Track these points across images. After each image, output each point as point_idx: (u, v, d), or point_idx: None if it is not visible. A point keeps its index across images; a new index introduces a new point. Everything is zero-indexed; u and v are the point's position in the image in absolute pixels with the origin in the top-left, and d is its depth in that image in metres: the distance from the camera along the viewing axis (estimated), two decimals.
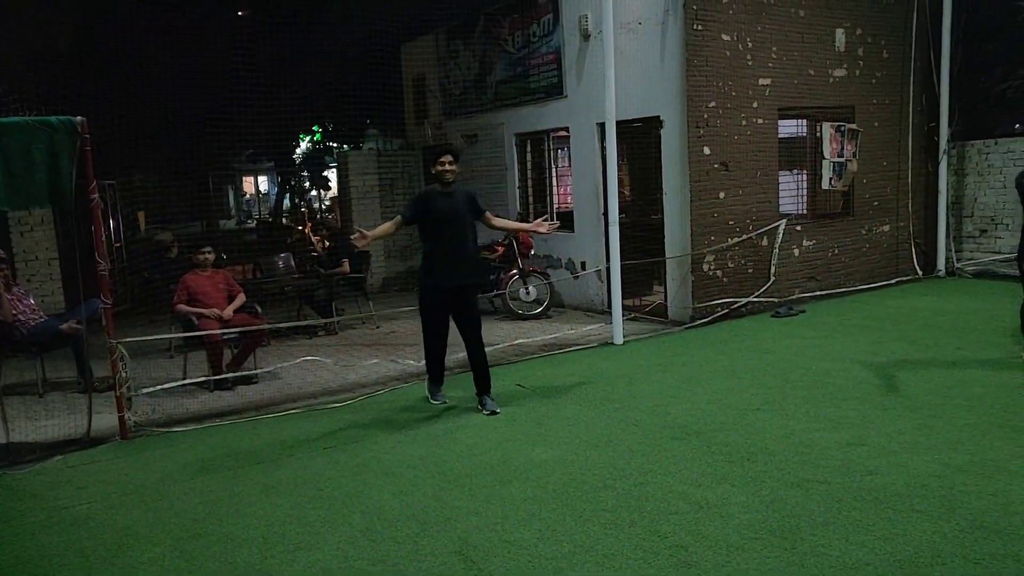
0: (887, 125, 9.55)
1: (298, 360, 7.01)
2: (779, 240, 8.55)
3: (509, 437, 4.95)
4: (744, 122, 8.32)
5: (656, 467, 4.29)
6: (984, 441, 4.37)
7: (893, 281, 9.65)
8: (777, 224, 8.57)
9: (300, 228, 16.76)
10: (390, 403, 5.93)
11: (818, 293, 8.99)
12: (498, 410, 5.43)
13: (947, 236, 9.98)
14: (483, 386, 5.54)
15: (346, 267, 9.08)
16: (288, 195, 21.73)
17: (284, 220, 19.54)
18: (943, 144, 9.84)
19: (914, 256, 9.91)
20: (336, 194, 17.77)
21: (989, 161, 9.76)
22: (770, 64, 8.45)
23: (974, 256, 9.93)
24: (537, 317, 8.96)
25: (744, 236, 8.37)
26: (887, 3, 9.34)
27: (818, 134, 9.01)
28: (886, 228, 9.74)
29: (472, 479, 4.28)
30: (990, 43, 10.04)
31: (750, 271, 8.50)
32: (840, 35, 8.99)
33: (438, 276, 5.35)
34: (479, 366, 5.51)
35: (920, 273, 9.91)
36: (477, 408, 5.54)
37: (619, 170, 8.23)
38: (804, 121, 9.03)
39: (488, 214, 5.58)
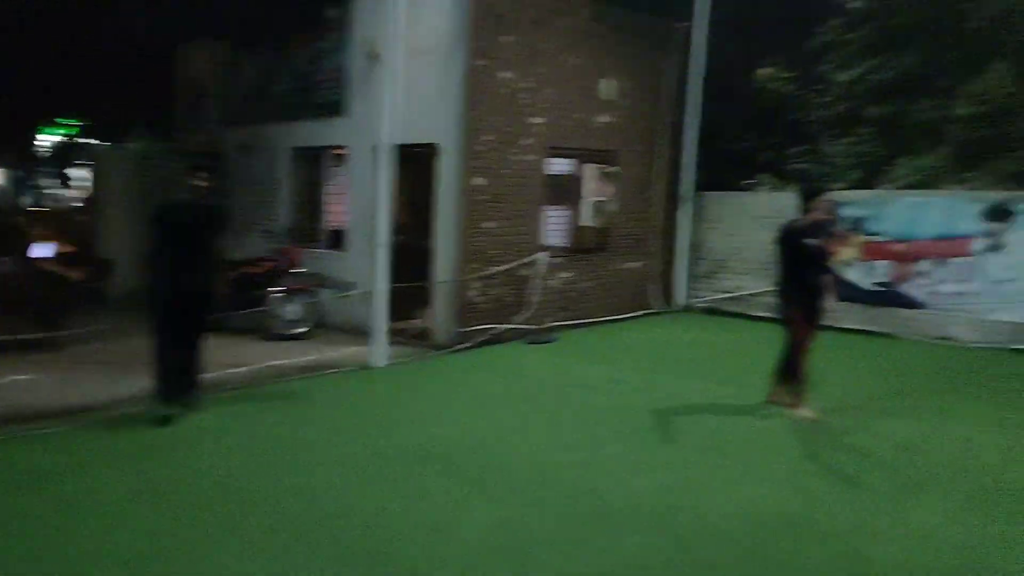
0: (642, 171, 10.53)
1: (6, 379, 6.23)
2: (539, 271, 9.06)
3: (246, 463, 4.74)
4: (516, 157, 8.76)
5: (397, 492, 4.33)
6: (692, 460, 4.92)
7: (639, 313, 10.59)
8: (537, 256, 9.07)
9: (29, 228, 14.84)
10: (113, 427, 5.42)
11: (572, 322, 9.62)
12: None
13: (685, 275, 11.17)
14: (184, 388, 5.46)
15: (73, 273, 8.14)
16: (28, 191, 19.34)
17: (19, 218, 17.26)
18: (684, 192, 11.02)
19: (657, 292, 10.96)
20: (88, 194, 16.06)
21: (721, 210, 11.08)
22: (543, 104, 8.98)
23: (706, 294, 11.18)
24: (300, 337, 8.70)
25: (508, 265, 8.77)
26: (647, 61, 10.34)
27: (581, 174, 9.71)
28: (636, 265, 10.68)
29: (199, 509, 4.04)
30: (729, 107, 11.46)
31: (511, 299, 8.91)
32: (605, 85, 9.78)
33: (162, 284, 5.37)
34: (187, 369, 5.48)
35: (662, 307, 10.97)
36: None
37: (396, 193, 8.27)
38: (573, 160, 9.68)
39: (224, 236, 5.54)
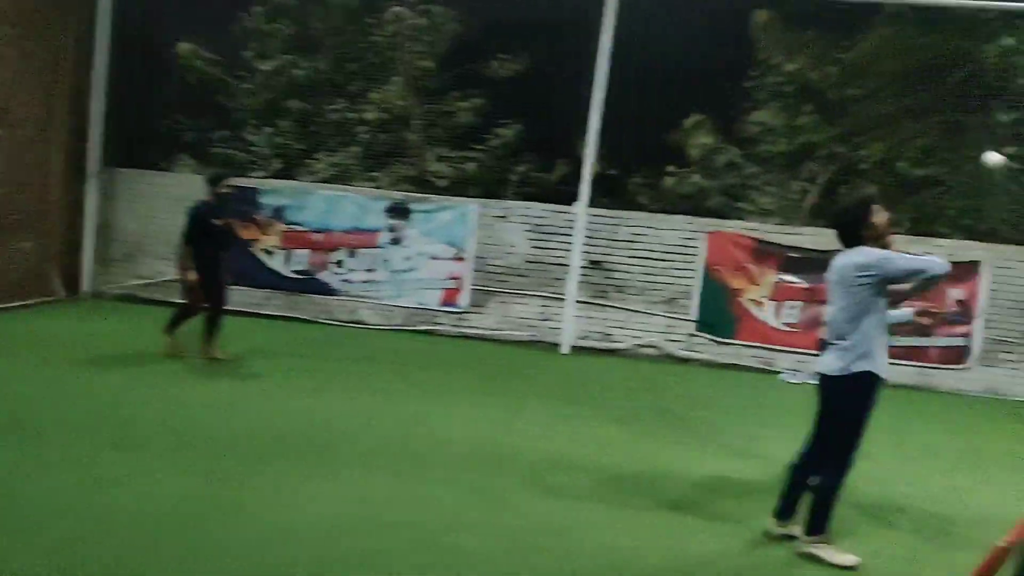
0: (36, 139, 9.07)
1: None
2: None
3: None
4: None
5: None
6: (101, 457, 4.45)
7: (34, 301, 9.16)
8: None
9: None
10: None
11: None
12: None
13: (93, 259, 10.07)
14: None
15: None
16: None
17: None
18: (91, 168, 9.93)
19: (58, 277, 9.64)
20: None
21: (138, 189, 10.30)
22: None
23: (120, 280, 10.27)
24: None
25: None
26: (42, 12, 8.93)
27: None
28: (27, 245, 9.18)
29: None
30: (151, 81, 10.66)
31: None
32: None
33: None
34: None
35: (65, 294, 9.69)
36: None
37: None
38: None
39: None
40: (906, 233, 9.47)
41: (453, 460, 5.09)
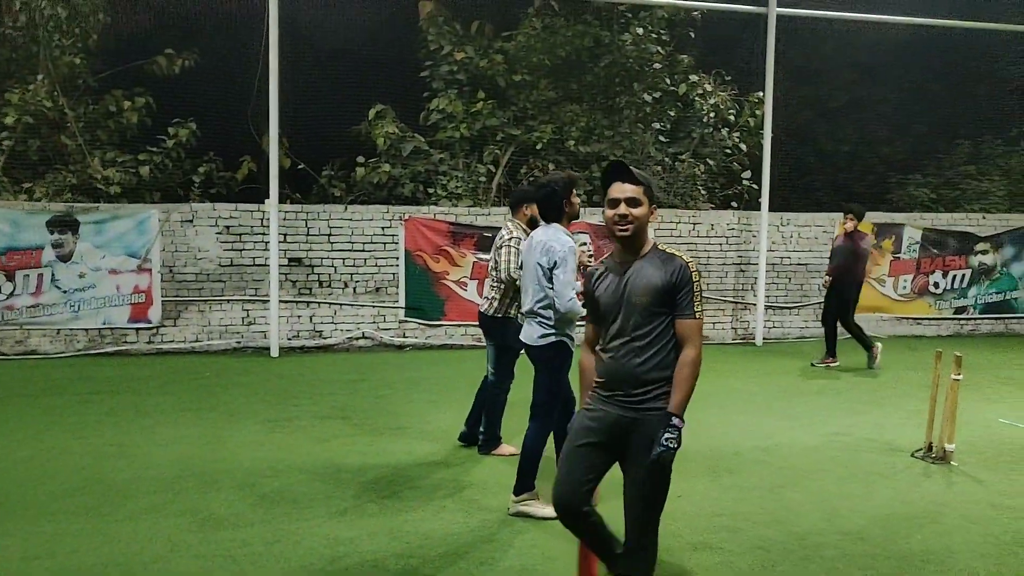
0: None
1: None
2: None
3: None
4: None
5: None
6: None
7: None
8: None
9: None
10: None
11: None
12: None
13: None
14: None
15: None
16: None
17: None
18: None
19: None
20: None
21: None
22: None
23: None
24: None
25: None
26: None
27: None
28: None
29: None
30: None
31: None
32: None
33: None
34: None
35: None
36: None
37: None
38: None
39: None
40: (583, 205, 10.62)
41: (159, 486, 4.79)
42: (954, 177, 12.85)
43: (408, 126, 10.56)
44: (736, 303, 10.63)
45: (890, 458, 5.56)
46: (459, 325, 9.86)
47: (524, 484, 4.41)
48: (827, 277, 8.81)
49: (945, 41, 11.52)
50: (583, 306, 3.15)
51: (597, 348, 3.06)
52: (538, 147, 10.77)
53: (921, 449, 5.60)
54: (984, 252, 11.36)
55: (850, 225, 8.66)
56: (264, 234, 9.26)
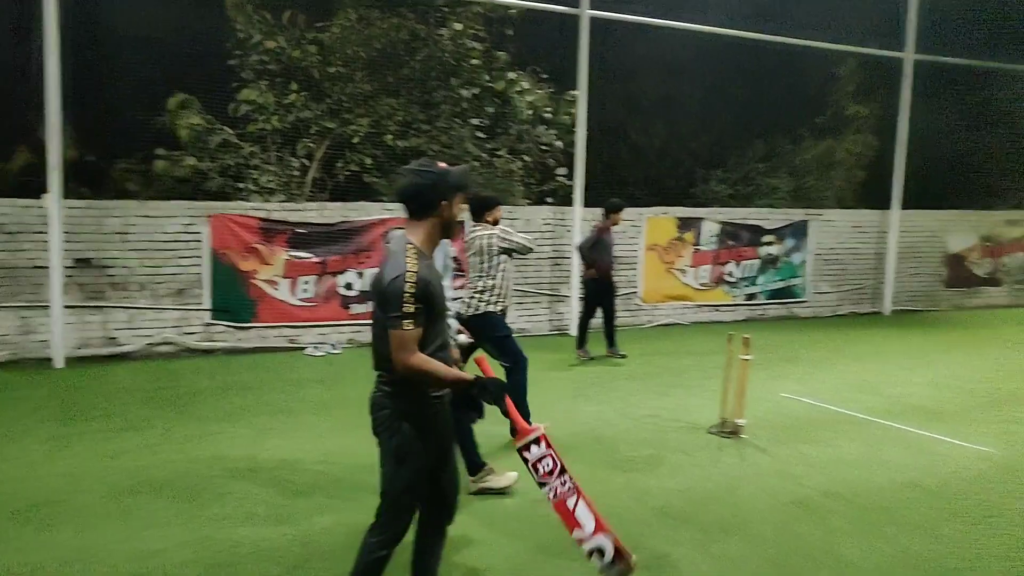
0: None
1: None
2: None
3: None
4: None
5: None
6: None
7: None
8: None
9: None
10: None
11: None
12: None
13: None
14: None
15: None
16: None
17: None
18: None
19: None
20: None
21: None
22: None
23: None
24: None
25: None
26: None
27: None
28: None
29: None
30: None
31: None
32: None
33: None
34: None
35: None
36: None
37: None
38: None
39: None
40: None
41: None
42: (749, 174, 14.03)
43: (215, 117, 9.98)
44: (552, 296, 10.99)
45: (692, 436, 5.98)
46: (272, 327, 9.47)
47: (474, 463, 4.72)
48: (592, 271, 9.12)
49: (742, 48, 12.53)
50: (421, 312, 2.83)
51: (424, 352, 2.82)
52: (355, 140, 10.56)
53: (716, 425, 6.06)
54: (770, 244, 12.50)
55: (615, 220, 9.06)
56: (43, 232, 8.35)
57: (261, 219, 9.37)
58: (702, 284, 12.08)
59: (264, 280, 9.41)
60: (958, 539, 4.17)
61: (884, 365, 8.80)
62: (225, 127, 9.98)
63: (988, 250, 14.42)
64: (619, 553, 3.12)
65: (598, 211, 9.57)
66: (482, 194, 6.06)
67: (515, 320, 10.71)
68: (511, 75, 11.76)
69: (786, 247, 12.66)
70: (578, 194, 10.77)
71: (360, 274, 9.80)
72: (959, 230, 14.14)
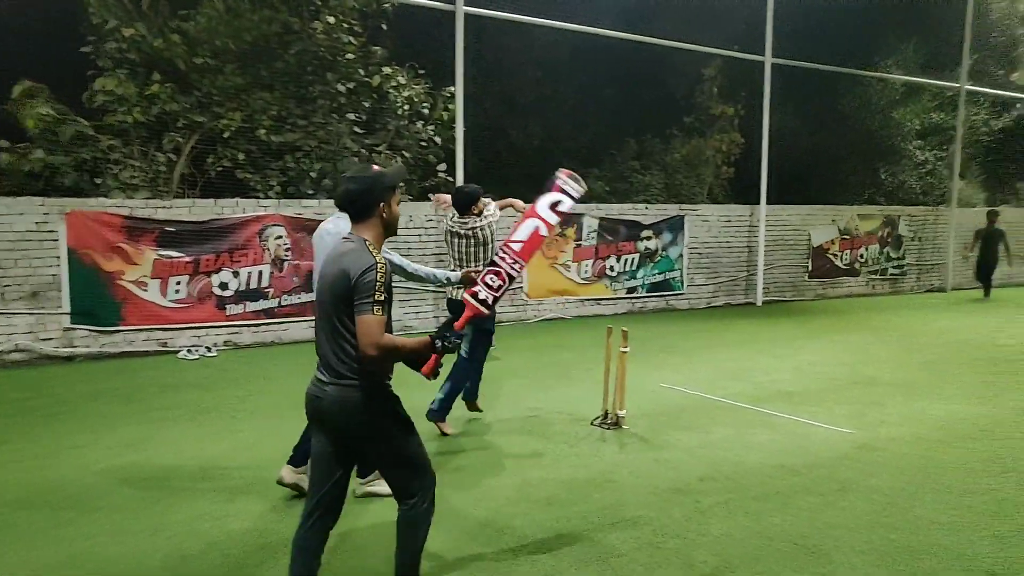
0: None
1: None
2: None
3: None
4: None
5: None
6: None
7: None
8: None
9: None
10: None
11: None
12: None
13: None
14: None
15: None
16: None
17: None
18: None
19: None
20: None
21: None
22: None
23: None
24: None
25: None
26: None
27: None
28: None
29: None
30: None
31: None
32: None
33: None
34: None
35: None
36: None
37: None
38: None
39: None
40: (277, 197, 10.24)
41: None
42: (624, 171, 14.49)
43: (68, 108, 9.36)
44: (436, 292, 10.98)
45: (576, 428, 6.14)
46: (141, 330, 9.00)
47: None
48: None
49: (615, 49, 12.91)
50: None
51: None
52: (225, 135, 10.17)
53: (599, 417, 6.25)
54: (648, 238, 12.98)
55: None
56: None
57: (125, 217, 8.89)
58: (584, 279, 12.39)
59: (131, 281, 8.93)
60: (812, 511, 4.48)
61: (755, 353, 9.32)
62: (80, 119, 9.38)
63: (847, 242, 15.51)
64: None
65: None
66: (465, 189, 6.23)
67: (401, 317, 10.64)
68: (387, 70, 11.65)
69: (663, 241, 13.17)
70: None
71: (235, 273, 9.46)
72: (820, 224, 15.14)
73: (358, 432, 3.06)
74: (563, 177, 3.90)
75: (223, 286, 9.42)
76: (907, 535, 4.16)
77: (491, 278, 3.67)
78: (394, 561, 3.23)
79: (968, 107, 17.83)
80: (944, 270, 16.92)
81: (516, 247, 3.78)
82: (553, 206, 3.87)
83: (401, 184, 3.16)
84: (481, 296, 3.65)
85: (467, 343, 5.98)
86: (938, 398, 7.11)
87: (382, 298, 2.92)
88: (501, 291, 3.68)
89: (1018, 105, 19.34)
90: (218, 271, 9.38)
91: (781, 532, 4.20)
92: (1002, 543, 4.07)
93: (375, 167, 3.16)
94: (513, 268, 3.73)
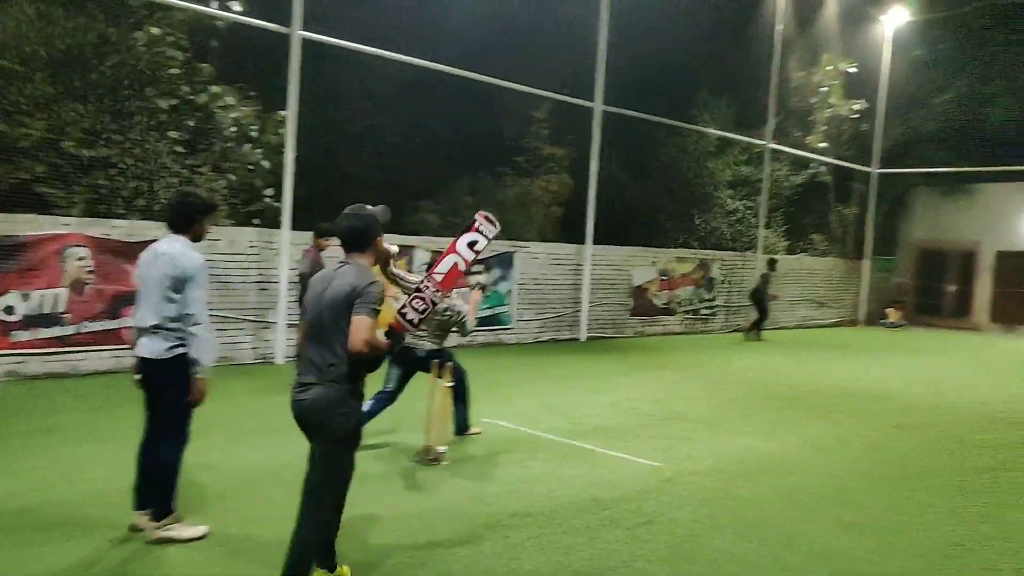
0: None
1: None
2: None
3: None
4: None
5: None
6: None
7: None
8: None
9: None
10: None
11: None
12: None
13: None
14: None
15: None
16: None
17: None
18: None
19: None
20: None
21: None
22: None
23: None
24: None
25: None
26: None
27: None
28: None
29: None
30: None
31: None
32: None
33: None
34: None
35: None
36: None
37: None
38: None
39: None
40: (83, 216, 9.49)
41: None
42: (458, 206, 14.72)
43: None
44: (257, 322, 10.58)
45: (394, 464, 6.08)
46: None
47: (165, 507, 4.28)
48: None
49: (448, 85, 13.14)
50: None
51: None
52: (23, 144, 9.34)
53: (420, 453, 6.25)
54: (479, 273, 13.20)
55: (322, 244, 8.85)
56: None
57: None
58: None
59: None
60: (618, 544, 4.71)
61: (574, 388, 9.68)
62: None
63: (665, 283, 16.53)
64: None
65: (309, 235, 9.43)
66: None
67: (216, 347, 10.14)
68: (215, 89, 11.22)
69: (494, 276, 13.44)
70: (286, 217, 10.53)
71: (25, 296, 8.63)
72: (641, 264, 16.05)
73: (327, 426, 3.67)
74: (480, 219, 4.73)
75: (9, 310, 8.56)
76: (704, 567, 4.45)
77: (417, 303, 4.39)
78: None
79: (772, 163, 19.65)
80: (749, 312, 18.42)
81: (438, 278, 4.55)
82: (471, 245, 4.69)
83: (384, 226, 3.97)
84: (408, 316, 4.33)
85: (395, 381, 6.48)
86: (739, 433, 7.70)
87: (377, 308, 3.60)
88: (426, 313, 4.39)
89: (811, 165, 21.56)
90: (4, 293, 8.53)
91: (588, 567, 4.36)
92: (791, 575, 4.45)
93: (368, 207, 3.91)
94: (435, 296, 4.44)
